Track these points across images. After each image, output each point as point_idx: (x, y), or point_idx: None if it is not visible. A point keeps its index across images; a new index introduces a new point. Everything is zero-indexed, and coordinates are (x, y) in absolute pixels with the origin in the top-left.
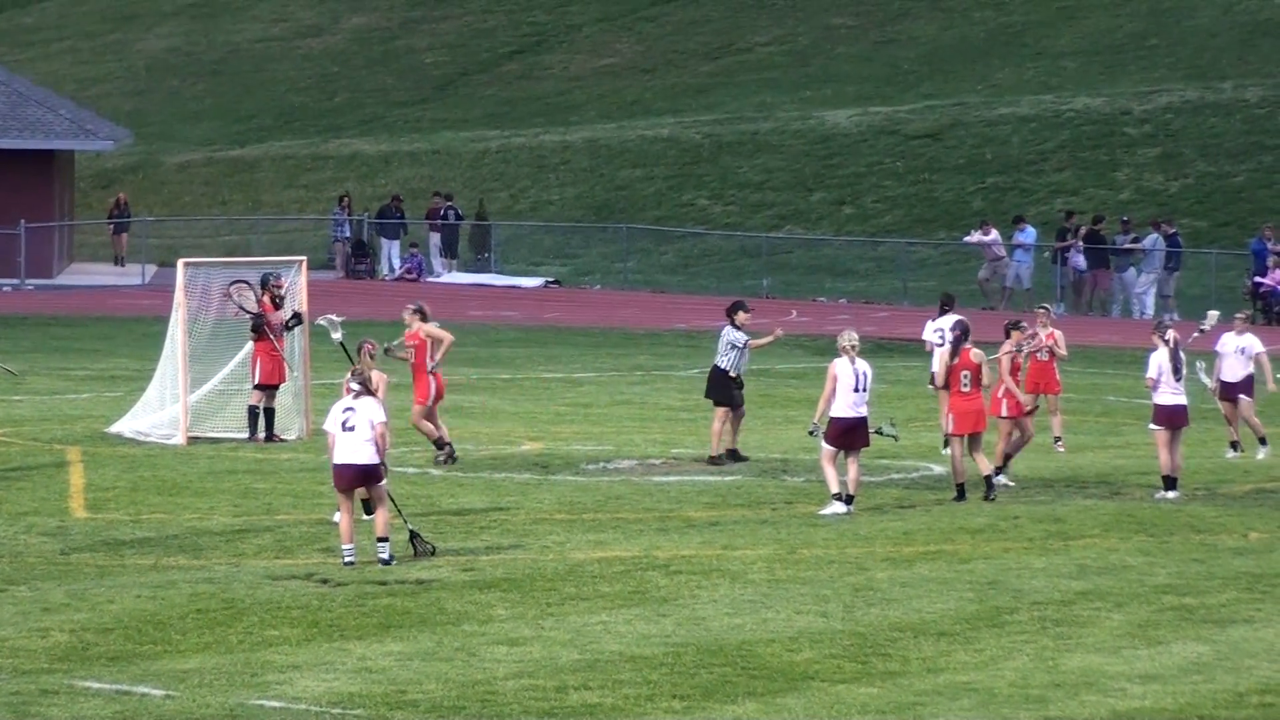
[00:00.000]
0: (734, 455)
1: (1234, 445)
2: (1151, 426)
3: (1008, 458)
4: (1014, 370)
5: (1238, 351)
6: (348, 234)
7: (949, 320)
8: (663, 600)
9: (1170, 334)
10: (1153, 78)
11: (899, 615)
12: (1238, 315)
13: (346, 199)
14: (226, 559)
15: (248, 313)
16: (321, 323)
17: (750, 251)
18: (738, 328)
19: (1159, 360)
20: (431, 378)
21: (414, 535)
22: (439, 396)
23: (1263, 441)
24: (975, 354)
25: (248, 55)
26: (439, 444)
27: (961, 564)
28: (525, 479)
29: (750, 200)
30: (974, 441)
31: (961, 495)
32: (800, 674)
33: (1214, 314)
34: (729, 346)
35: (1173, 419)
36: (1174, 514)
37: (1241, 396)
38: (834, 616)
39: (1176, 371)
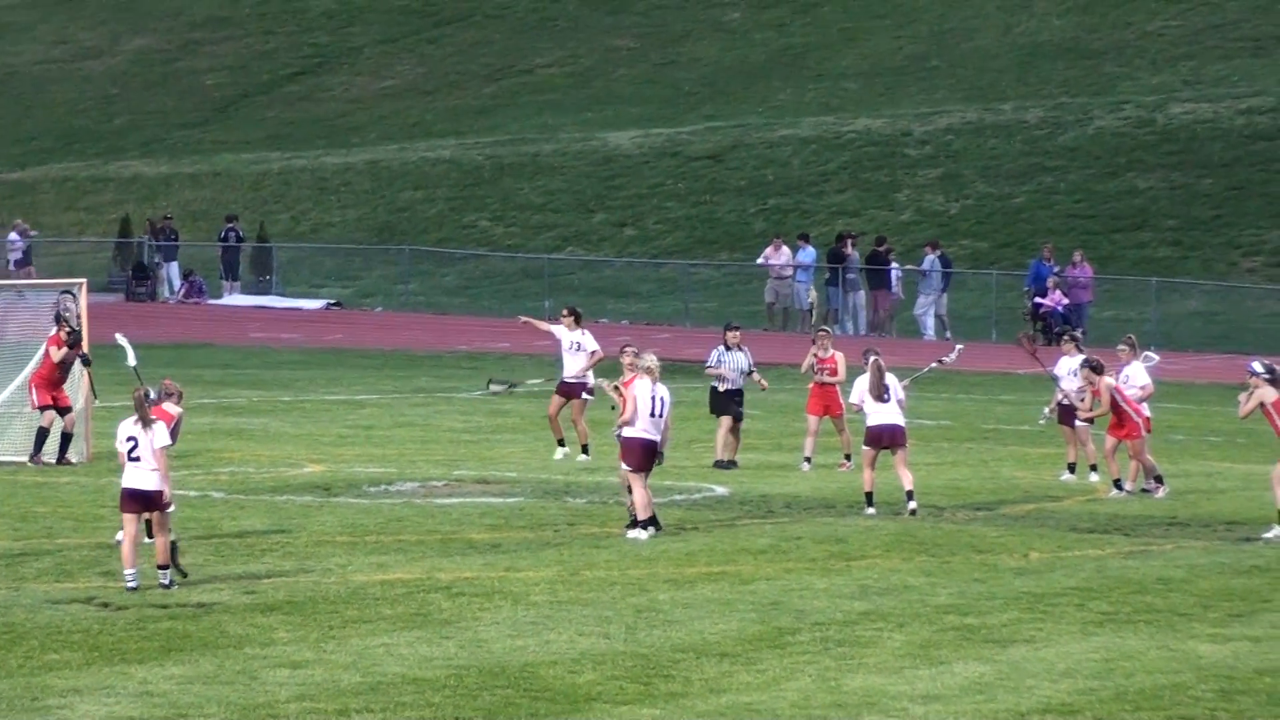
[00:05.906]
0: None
1: (1070, 468)
2: (864, 446)
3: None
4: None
5: (1071, 373)
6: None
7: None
8: (445, 622)
9: (873, 357)
10: (933, 99)
11: (681, 636)
12: (1065, 338)
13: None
14: (6, 583)
15: (71, 328)
16: (120, 340)
17: (532, 273)
18: (728, 347)
19: (861, 386)
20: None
21: (172, 546)
22: None
23: (1093, 468)
24: None
25: (27, 76)
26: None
27: (744, 585)
28: (307, 501)
29: (532, 222)
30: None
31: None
32: (583, 695)
33: (959, 347)
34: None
35: (879, 439)
36: (956, 534)
37: (1078, 421)
38: (616, 638)
39: (880, 392)
